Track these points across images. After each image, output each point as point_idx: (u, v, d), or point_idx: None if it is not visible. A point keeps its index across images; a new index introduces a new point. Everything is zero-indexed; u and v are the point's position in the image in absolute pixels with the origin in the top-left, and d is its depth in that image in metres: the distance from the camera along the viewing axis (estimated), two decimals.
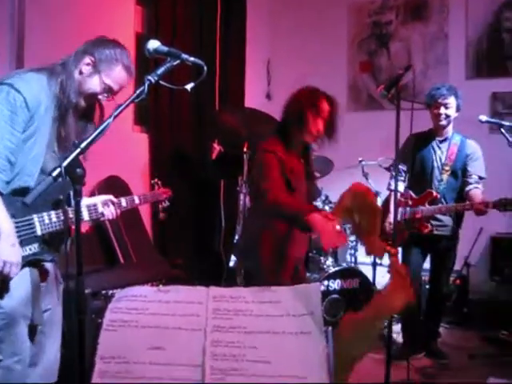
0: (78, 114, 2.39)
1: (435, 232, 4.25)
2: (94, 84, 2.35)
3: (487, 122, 4.22)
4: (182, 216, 5.47)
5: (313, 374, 1.56)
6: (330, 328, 1.65)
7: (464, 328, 5.23)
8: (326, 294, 4.59)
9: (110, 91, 2.38)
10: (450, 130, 4.34)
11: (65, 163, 1.79)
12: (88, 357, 1.71)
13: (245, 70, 6.39)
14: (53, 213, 2.29)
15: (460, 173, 4.28)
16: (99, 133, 1.90)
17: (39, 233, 2.25)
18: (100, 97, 2.39)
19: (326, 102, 3.35)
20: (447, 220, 4.29)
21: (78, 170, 1.82)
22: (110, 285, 3.31)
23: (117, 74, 2.37)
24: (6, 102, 2.19)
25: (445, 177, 4.26)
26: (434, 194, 4.21)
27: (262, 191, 3.08)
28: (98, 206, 2.56)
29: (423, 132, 4.39)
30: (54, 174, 1.78)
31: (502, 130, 4.07)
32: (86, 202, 2.53)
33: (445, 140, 4.34)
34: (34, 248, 2.26)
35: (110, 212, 2.61)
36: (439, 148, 4.34)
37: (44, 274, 2.39)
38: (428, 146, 4.36)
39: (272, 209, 3.07)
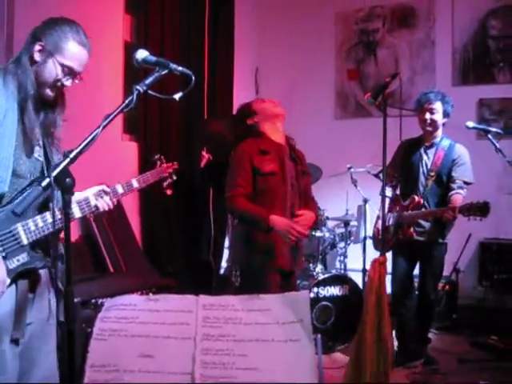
0: (47, 106, 2.28)
1: (416, 238, 4.24)
2: (51, 70, 2.21)
3: (474, 128, 4.26)
4: (171, 224, 5.47)
5: (302, 380, 1.57)
6: (318, 335, 1.66)
7: (453, 333, 5.26)
8: (316, 301, 4.61)
9: (71, 72, 2.24)
10: (438, 135, 4.34)
11: (54, 173, 1.78)
12: (78, 365, 1.71)
13: (233, 78, 6.42)
14: (38, 218, 2.17)
15: (445, 178, 4.26)
16: (88, 142, 1.89)
17: (25, 242, 2.14)
18: (65, 82, 2.25)
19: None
20: (427, 225, 4.27)
21: (68, 179, 1.81)
22: (99, 294, 3.30)
23: (70, 52, 2.22)
24: None
25: (429, 182, 4.27)
26: (417, 199, 4.21)
27: (226, 197, 3.34)
28: (89, 199, 2.37)
29: (414, 138, 4.43)
30: (44, 184, 1.78)
31: (489, 135, 4.11)
32: (76, 197, 2.32)
33: (432, 145, 4.34)
34: (22, 258, 2.15)
35: (104, 203, 2.40)
36: (426, 154, 4.35)
37: (35, 283, 2.28)
38: (416, 151, 4.37)
39: (233, 215, 3.43)
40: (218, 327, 1.67)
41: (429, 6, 6.36)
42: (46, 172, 2.26)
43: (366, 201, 5.50)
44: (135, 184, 2.62)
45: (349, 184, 5.55)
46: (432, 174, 4.27)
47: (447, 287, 5.44)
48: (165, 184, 2.91)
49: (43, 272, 2.31)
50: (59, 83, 2.24)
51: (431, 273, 4.37)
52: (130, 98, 1.98)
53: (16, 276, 2.15)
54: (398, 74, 3.17)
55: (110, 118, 1.94)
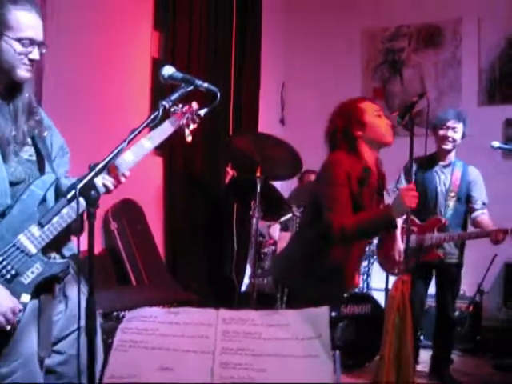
0: (16, 100, 2.08)
1: (445, 260, 4.21)
2: (8, 50, 1.98)
3: (500, 148, 4.22)
4: (194, 239, 5.49)
5: None
6: (337, 352, 1.65)
7: (477, 355, 5.18)
8: (338, 319, 4.58)
9: (32, 42, 2.00)
10: (453, 155, 4.31)
11: (80, 185, 1.79)
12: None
13: (259, 94, 6.45)
14: (33, 226, 2.00)
15: (464, 199, 4.24)
16: (114, 156, 1.91)
17: (34, 251, 1.99)
18: (32, 56, 2.01)
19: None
20: (451, 247, 4.25)
21: (93, 192, 1.83)
22: (121, 306, 3.32)
23: (18, 22, 1.97)
24: None
25: (451, 203, 4.23)
26: (443, 220, 4.16)
27: (326, 222, 2.85)
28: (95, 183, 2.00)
29: (425, 156, 4.31)
30: (69, 196, 1.79)
31: None
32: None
33: (448, 165, 4.30)
34: (36, 269, 2.00)
35: (112, 179, 2.12)
36: (443, 173, 4.29)
37: (62, 289, 2.15)
38: (430, 170, 4.31)
39: (345, 237, 2.86)
40: (238, 341, 1.68)
41: (455, 25, 6.34)
42: (41, 170, 2.13)
43: None
44: (146, 144, 2.26)
45: None
46: (452, 194, 4.23)
47: (471, 308, 5.37)
48: (187, 131, 2.40)
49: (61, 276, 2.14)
50: (26, 59, 2.01)
51: (453, 293, 4.34)
52: (155, 114, 2.00)
53: (35, 289, 2.02)
54: (425, 93, 3.15)
55: (136, 132, 1.96)
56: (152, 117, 2.00)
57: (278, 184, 5.53)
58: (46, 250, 2.04)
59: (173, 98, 2.06)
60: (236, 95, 6.11)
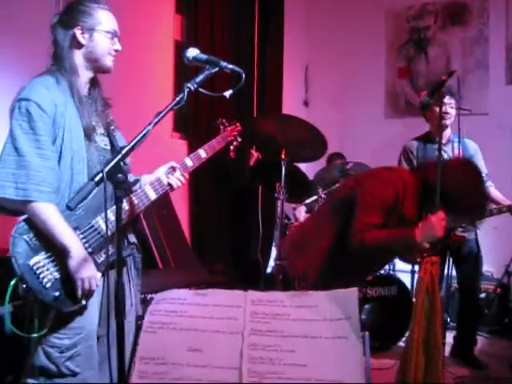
0: (95, 94, 2.39)
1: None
2: (101, 41, 2.33)
3: None
4: (220, 222, 5.50)
5: (349, 378, 1.56)
6: (367, 333, 1.64)
7: (505, 338, 5.13)
8: (364, 301, 4.57)
9: (115, 34, 2.38)
10: (449, 132, 4.24)
11: (106, 168, 1.81)
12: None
13: (282, 76, 6.42)
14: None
15: None
16: (140, 139, 1.91)
17: (108, 233, 2.14)
18: (117, 46, 2.38)
19: None
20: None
21: (120, 175, 1.84)
22: (148, 289, 3.33)
23: (103, 16, 2.35)
24: (19, 115, 2.15)
25: None
26: None
27: (354, 233, 2.79)
28: (161, 179, 2.42)
29: (421, 137, 4.32)
30: (96, 179, 1.81)
31: None
32: (147, 179, 2.44)
33: (447, 143, 4.21)
34: (109, 250, 2.19)
35: (176, 180, 2.47)
36: (444, 151, 4.14)
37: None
38: (430, 150, 4.21)
39: (364, 251, 2.80)
40: (266, 323, 1.68)
41: (482, 2, 6.21)
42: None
43: None
44: (203, 154, 2.64)
45: None
46: None
47: (499, 290, 5.31)
48: (231, 147, 2.89)
49: (128, 261, 2.39)
50: (112, 50, 2.36)
51: (476, 270, 4.30)
52: (180, 96, 1.99)
53: (105, 269, 2.19)
54: (455, 71, 3.09)
55: (161, 115, 1.96)
56: (177, 99, 1.99)
57: (302, 166, 5.50)
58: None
59: (198, 79, 2.04)
60: (259, 77, 6.08)
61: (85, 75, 2.35)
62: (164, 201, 4.80)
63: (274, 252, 5.74)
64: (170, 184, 2.44)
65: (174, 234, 4.80)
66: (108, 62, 2.36)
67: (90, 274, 2.12)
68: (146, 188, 2.36)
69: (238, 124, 2.89)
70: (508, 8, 6.05)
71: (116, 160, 1.85)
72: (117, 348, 1.79)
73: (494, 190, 4.20)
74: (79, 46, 2.31)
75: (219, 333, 1.67)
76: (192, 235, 5.29)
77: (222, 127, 2.86)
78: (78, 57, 2.32)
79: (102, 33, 2.32)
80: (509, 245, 4.96)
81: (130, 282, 2.41)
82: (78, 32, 2.29)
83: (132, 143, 1.91)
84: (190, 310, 1.73)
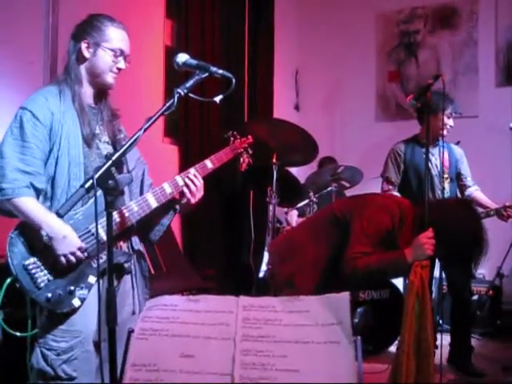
0: (102, 104, 2.43)
1: None
2: (103, 57, 2.36)
3: None
4: (211, 227, 5.50)
5: (341, 383, 1.56)
6: (359, 337, 1.64)
7: (497, 340, 5.15)
8: (356, 304, 4.57)
9: (121, 53, 2.39)
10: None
11: (97, 175, 1.82)
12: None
13: (273, 81, 6.43)
14: (115, 213, 2.22)
15: (454, 178, 4.26)
16: (130, 144, 1.93)
17: (105, 238, 2.12)
18: (120, 65, 2.39)
19: None
20: None
21: (110, 181, 1.84)
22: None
23: (114, 36, 2.38)
24: (14, 122, 2.25)
25: (446, 185, 4.18)
26: None
27: (346, 260, 2.86)
28: (163, 187, 2.44)
29: (409, 139, 4.33)
30: (86, 185, 1.82)
31: None
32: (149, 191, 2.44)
33: (435, 147, 4.19)
34: (105, 255, 2.10)
35: (193, 178, 2.49)
36: (432, 155, 4.18)
37: (120, 279, 2.39)
38: (417, 153, 4.24)
39: (356, 278, 2.88)
40: (258, 328, 1.68)
41: (471, 5, 6.25)
42: (117, 167, 2.26)
43: None
44: (209, 164, 2.60)
45: None
46: (446, 175, 4.18)
47: (491, 292, 5.33)
48: (241, 159, 2.85)
49: (127, 267, 2.39)
50: (115, 68, 2.38)
51: (466, 271, 4.21)
52: (171, 101, 2.00)
53: (101, 274, 2.17)
54: (440, 75, 3.12)
55: (152, 120, 1.97)
56: (168, 104, 2.01)
57: (294, 170, 5.51)
58: (117, 239, 2.29)
59: (188, 85, 2.06)
60: (250, 82, 6.09)
61: (89, 87, 2.40)
62: None
63: (266, 257, 5.74)
64: (185, 184, 2.46)
65: (165, 239, 4.77)
66: (108, 78, 2.39)
67: (70, 250, 2.15)
68: (148, 196, 2.37)
69: (250, 136, 2.86)
70: (497, 11, 6.09)
71: (106, 166, 1.85)
72: (108, 355, 1.80)
73: (479, 194, 4.25)
74: (83, 59, 2.36)
75: (211, 339, 1.67)
76: (184, 240, 5.28)
77: (232, 139, 2.83)
78: (83, 69, 2.37)
79: (106, 50, 2.35)
80: (500, 247, 4.98)
81: (133, 289, 2.42)
82: (83, 45, 2.35)
83: (123, 149, 1.92)
84: (181, 317, 1.73)
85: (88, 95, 2.40)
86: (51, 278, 2.16)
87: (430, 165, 4.16)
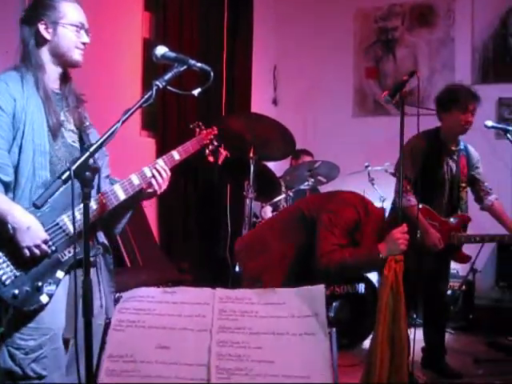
0: (66, 89, 2.32)
1: None
2: (65, 35, 2.25)
3: (493, 127, 4.18)
4: (188, 220, 5.49)
5: (316, 374, 1.58)
6: (333, 329, 1.66)
7: (470, 334, 5.23)
8: (332, 298, 4.60)
9: (82, 27, 2.29)
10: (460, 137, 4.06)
11: (74, 166, 1.80)
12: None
13: (251, 75, 6.43)
14: (80, 206, 2.05)
15: (469, 184, 4.06)
16: (108, 137, 1.91)
17: (73, 232, 2.07)
18: (85, 39, 2.30)
19: None
20: None
21: (87, 173, 1.83)
22: (116, 288, 3.32)
23: (69, 9, 2.26)
24: None
25: (464, 194, 4.01)
26: (468, 218, 3.98)
27: (320, 256, 2.91)
28: (131, 179, 2.32)
29: (430, 134, 3.99)
30: (63, 177, 1.79)
31: (508, 135, 4.04)
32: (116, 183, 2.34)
33: (455, 151, 4.03)
34: (72, 250, 2.11)
35: (161, 169, 2.40)
36: (451, 160, 4.01)
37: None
38: (438, 157, 3.98)
39: (329, 274, 2.95)
40: (234, 320, 1.69)
41: (448, 4, 6.32)
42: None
43: (383, 199, 5.47)
44: (176, 156, 2.52)
45: (366, 182, 5.53)
46: (464, 185, 4.00)
47: (464, 287, 5.41)
48: (207, 151, 2.75)
49: (93, 261, 2.28)
50: (79, 43, 2.29)
51: (446, 273, 4.28)
52: (149, 94, 1.99)
53: (69, 269, 2.14)
54: (416, 72, 3.13)
55: (129, 112, 1.95)
56: (146, 97, 2.00)
57: (271, 164, 5.52)
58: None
59: (166, 77, 2.05)
60: (228, 76, 6.09)
61: (54, 71, 2.29)
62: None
63: None
64: (153, 175, 2.36)
65: (141, 232, 4.78)
66: (75, 55, 2.29)
67: (34, 242, 2.06)
68: (116, 187, 2.28)
69: (214, 128, 2.79)
70: (473, 10, 6.16)
71: (84, 158, 1.84)
72: (84, 347, 1.77)
73: (500, 205, 4.05)
74: (44, 41, 2.25)
75: (187, 330, 1.68)
76: (160, 233, 5.28)
77: (198, 130, 2.73)
78: (45, 52, 2.26)
79: (66, 26, 2.25)
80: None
81: (99, 283, 2.35)
82: (41, 27, 2.23)
83: (100, 141, 1.91)
84: (158, 308, 1.73)
85: (52, 80, 2.28)
86: (18, 273, 2.07)
87: (446, 171, 3.99)
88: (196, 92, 2.16)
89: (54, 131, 2.23)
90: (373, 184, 5.50)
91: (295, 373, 1.60)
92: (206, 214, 5.64)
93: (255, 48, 6.48)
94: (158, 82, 2.02)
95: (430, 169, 3.94)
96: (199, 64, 2.11)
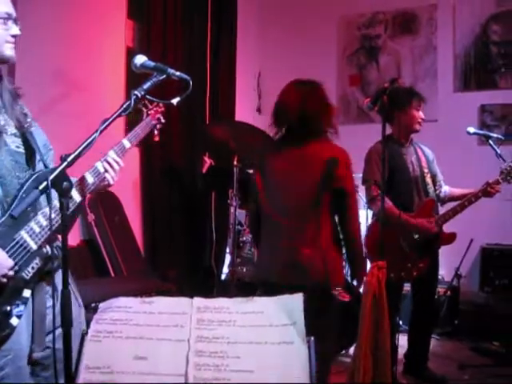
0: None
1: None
2: None
3: (475, 133, 4.24)
4: (173, 229, 5.48)
5: (295, 383, 1.58)
6: (312, 338, 1.66)
7: (455, 339, 5.24)
8: None
9: (9, 17, 2.05)
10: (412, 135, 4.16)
11: (51, 176, 1.77)
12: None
13: (235, 83, 6.44)
14: (40, 216, 1.98)
15: (431, 176, 4.14)
16: (86, 146, 1.88)
17: (35, 247, 1.97)
18: (14, 31, 2.06)
19: None
20: None
21: (65, 183, 1.80)
22: (99, 298, 3.29)
23: None
24: None
25: (429, 180, 4.07)
26: (431, 201, 4.02)
27: None
28: (86, 178, 2.13)
29: (386, 140, 3.98)
30: (41, 187, 1.78)
31: (490, 141, 4.09)
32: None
33: (409, 146, 4.13)
34: (35, 264, 1.99)
35: (112, 161, 2.19)
36: (409, 153, 4.09)
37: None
38: (398, 153, 4.05)
39: None
40: (212, 329, 1.68)
41: (430, 12, 6.37)
42: (31, 160, 2.12)
43: (367, 207, 5.47)
44: (127, 144, 2.30)
45: None
46: (426, 170, 4.08)
47: (449, 292, 5.43)
48: (155, 131, 2.58)
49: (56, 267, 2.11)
50: (9, 36, 2.06)
51: (436, 274, 4.26)
52: (127, 103, 1.98)
53: (34, 285, 2.02)
54: (397, 79, 3.17)
55: (108, 122, 1.93)
56: (124, 106, 1.99)
57: None
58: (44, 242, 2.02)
59: (145, 87, 2.05)
60: (212, 84, 6.09)
61: None
62: (115, 207, 4.76)
63: (227, 258, 5.75)
64: (106, 170, 2.16)
65: (125, 241, 4.77)
66: (6, 51, 2.05)
67: (1, 273, 1.89)
68: (86, 175, 2.12)
69: (160, 105, 2.54)
70: (455, 18, 6.21)
71: (61, 168, 1.82)
72: (64, 359, 1.75)
73: (453, 189, 4.18)
74: None
75: (165, 340, 1.67)
76: (145, 242, 5.26)
77: (145, 110, 2.50)
78: None
79: None
80: (458, 248, 5.08)
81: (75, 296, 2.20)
82: None
83: (78, 150, 1.88)
84: (135, 318, 1.72)
85: None
86: None
87: (408, 164, 4.05)
88: (175, 101, 2.16)
89: None
90: (357, 191, 5.49)
91: (274, 382, 1.60)
92: (190, 222, 5.63)
93: (239, 56, 6.50)
94: (136, 92, 2.02)
95: (397, 169, 4.00)
96: (178, 73, 2.11)
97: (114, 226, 4.65)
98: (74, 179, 2.10)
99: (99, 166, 2.17)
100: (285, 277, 2.94)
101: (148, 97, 2.05)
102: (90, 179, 2.13)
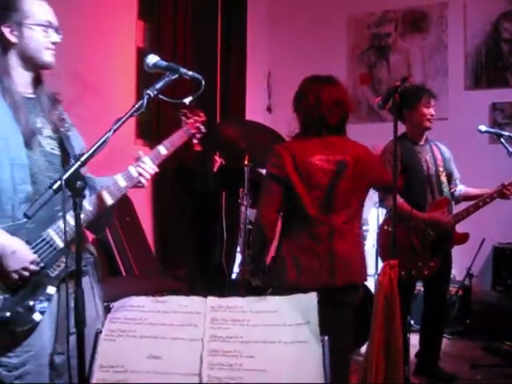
0: (40, 94, 2.20)
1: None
2: (32, 36, 2.11)
3: (487, 132, 4.22)
4: (183, 229, 5.49)
5: (309, 383, 1.58)
6: (326, 337, 1.66)
7: (466, 338, 5.22)
8: None
9: (50, 25, 2.15)
10: (426, 133, 4.14)
11: (65, 176, 1.78)
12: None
13: (245, 83, 6.44)
14: (68, 216, 1.96)
15: (448, 175, 4.13)
16: (99, 146, 1.88)
17: (61, 245, 2.05)
18: (54, 38, 2.15)
19: None
20: None
21: (79, 182, 1.80)
22: (111, 297, 3.30)
23: (34, 8, 2.13)
24: None
25: (444, 179, 4.05)
26: (445, 200, 4.01)
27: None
28: (117, 181, 2.21)
29: (400, 138, 3.93)
30: (55, 186, 1.78)
31: (502, 139, 4.06)
32: (103, 182, 2.26)
33: (424, 144, 4.11)
34: (62, 263, 2.05)
35: (148, 168, 2.24)
36: (424, 152, 4.08)
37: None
38: (412, 151, 4.04)
39: None
40: (226, 329, 1.68)
41: (441, 10, 6.35)
42: (66, 163, 2.18)
43: (378, 205, 5.46)
44: (163, 151, 2.34)
45: None
46: (441, 169, 4.06)
47: (460, 292, 5.41)
48: (195, 140, 2.62)
49: (86, 271, 2.22)
50: (49, 43, 2.16)
51: (448, 272, 4.25)
52: (140, 102, 1.98)
53: (60, 283, 2.08)
54: (408, 77, 3.16)
55: (121, 121, 1.94)
56: (137, 106, 1.99)
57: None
58: (71, 243, 2.03)
59: (157, 86, 2.04)
60: (222, 84, 6.09)
61: (24, 75, 2.17)
62: (127, 207, 4.77)
63: (238, 258, 5.74)
64: (140, 174, 2.21)
65: (137, 241, 4.78)
66: (46, 57, 2.15)
67: (22, 265, 1.97)
68: (103, 193, 2.16)
69: (201, 114, 2.64)
70: (465, 16, 6.19)
71: (75, 167, 1.82)
72: (77, 358, 1.76)
73: (468, 188, 4.18)
74: (10, 45, 2.11)
75: (179, 340, 1.67)
76: (156, 241, 5.27)
77: (184, 119, 2.58)
78: (12, 57, 2.13)
79: (32, 27, 2.10)
80: (470, 247, 5.05)
81: (93, 292, 2.29)
82: (6, 30, 2.09)
83: (91, 150, 1.89)
84: (149, 318, 1.73)
85: (22, 85, 2.15)
86: (7, 295, 2.00)
87: (423, 163, 4.03)
88: (187, 100, 2.16)
89: (29, 140, 2.10)
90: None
91: (287, 381, 1.60)
92: (201, 221, 5.63)
93: (249, 55, 6.50)
94: (149, 91, 2.01)
95: (411, 167, 3.99)
96: (190, 72, 2.11)
97: (126, 226, 4.66)
98: (104, 179, 2.24)
99: (132, 170, 2.23)
100: (344, 277, 2.90)
101: (161, 96, 2.04)
102: (122, 183, 2.20)
